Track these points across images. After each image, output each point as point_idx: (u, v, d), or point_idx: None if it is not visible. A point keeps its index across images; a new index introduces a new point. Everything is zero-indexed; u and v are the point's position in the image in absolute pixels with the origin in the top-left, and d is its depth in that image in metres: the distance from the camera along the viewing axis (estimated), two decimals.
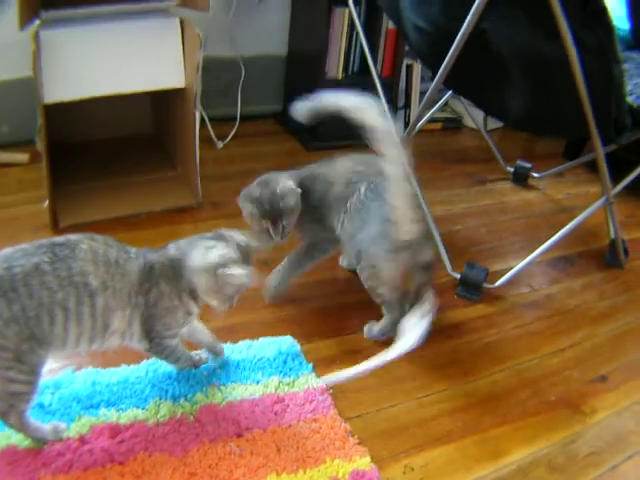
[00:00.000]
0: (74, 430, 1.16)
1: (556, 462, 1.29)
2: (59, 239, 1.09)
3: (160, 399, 1.26)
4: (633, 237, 2.14)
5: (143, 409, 1.23)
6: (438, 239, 1.84)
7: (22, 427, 1.11)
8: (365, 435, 1.26)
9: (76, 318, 1.07)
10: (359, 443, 1.23)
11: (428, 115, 2.37)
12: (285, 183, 1.44)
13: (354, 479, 1.15)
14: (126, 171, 2.03)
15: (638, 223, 2.31)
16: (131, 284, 1.13)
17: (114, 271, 1.11)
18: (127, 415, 1.21)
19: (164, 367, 1.33)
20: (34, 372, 1.08)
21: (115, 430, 1.17)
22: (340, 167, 1.50)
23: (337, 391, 1.37)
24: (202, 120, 2.26)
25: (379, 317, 1.53)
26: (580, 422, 1.39)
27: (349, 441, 1.22)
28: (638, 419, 1.41)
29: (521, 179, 2.50)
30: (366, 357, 1.45)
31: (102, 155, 2.10)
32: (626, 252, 1.99)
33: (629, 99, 1.70)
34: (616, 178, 1.91)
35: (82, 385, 1.27)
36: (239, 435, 1.21)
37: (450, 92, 2.28)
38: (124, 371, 1.32)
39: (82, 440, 1.15)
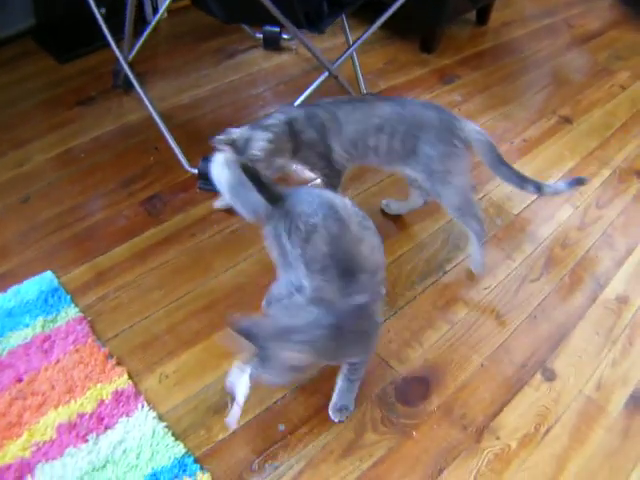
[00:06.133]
0: None
1: None
2: None
3: None
4: (391, 85, 2.16)
5: None
6: (170, 139, 1.87)
7: None
8: (123, 353, 1.43)
9: None
10: (118, 363, 1.40)
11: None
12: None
13: (115, 398, 1.36)
14: None
15: (398, 68, 2.34)
16: None
17: None
18: None
19: None
20: None
21: None
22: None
23: (95, 315, 1.50)
24: None
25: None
26: None
27: (108, 364, 1.41)
28: None
29: (271, 43, 2.47)
30: (116, 276, 1.57)
31: None
32: None
33: None
34: (375, 20, 1.92)
35: None
36: (19, 380, 1.37)
37: None
38: None
39: None
